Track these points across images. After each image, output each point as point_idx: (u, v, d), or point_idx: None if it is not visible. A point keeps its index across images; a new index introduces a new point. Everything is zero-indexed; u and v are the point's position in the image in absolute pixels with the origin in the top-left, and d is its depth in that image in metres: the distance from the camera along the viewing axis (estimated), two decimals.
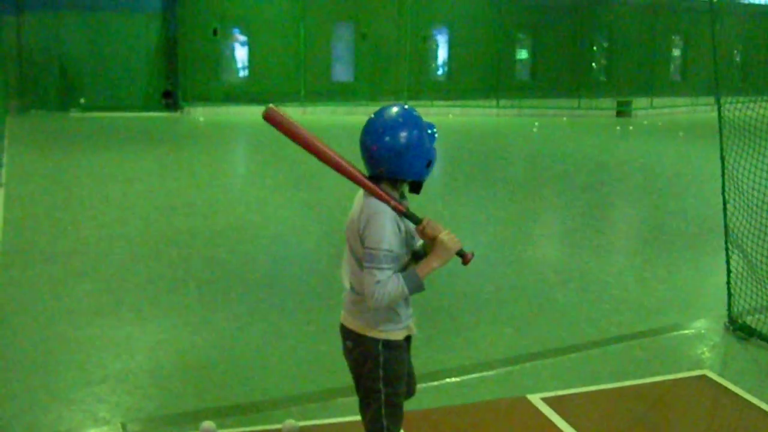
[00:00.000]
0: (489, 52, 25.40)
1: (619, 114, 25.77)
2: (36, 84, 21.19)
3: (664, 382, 5.10)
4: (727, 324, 6.04)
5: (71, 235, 8.59)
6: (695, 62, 28.45)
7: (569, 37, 26.68)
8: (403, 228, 3.02)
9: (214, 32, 22.86)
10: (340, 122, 18.31)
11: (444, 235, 2.98)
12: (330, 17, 24.10)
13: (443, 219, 9.55)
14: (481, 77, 25.41)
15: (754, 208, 6.19)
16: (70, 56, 21.52)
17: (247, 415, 4.52)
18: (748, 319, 5.96)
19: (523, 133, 20.94)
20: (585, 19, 26.80)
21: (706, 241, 8.94)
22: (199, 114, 21.76)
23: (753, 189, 6.25)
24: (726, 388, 4.97)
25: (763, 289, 6.02)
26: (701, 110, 25.76)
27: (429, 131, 3.04)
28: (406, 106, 3.09)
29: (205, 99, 22.22)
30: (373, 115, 3.06)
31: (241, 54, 23.72)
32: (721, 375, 5.18)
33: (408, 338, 3.26)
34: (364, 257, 2.97)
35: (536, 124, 21.21)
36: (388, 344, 3.12)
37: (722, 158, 6.04)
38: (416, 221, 3.01)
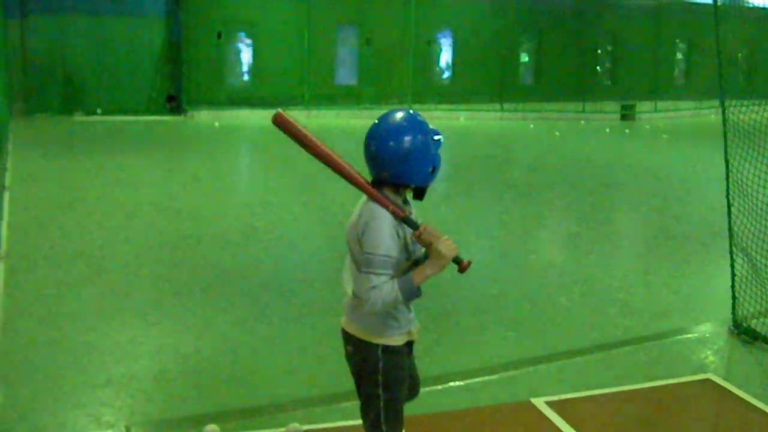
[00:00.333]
0: (493, 56, 25.39)
1: (623, 117, 25.75)
2: (40, 88, 21.21)
3: (668, 386, 5.09)
4: (731, 328, 6.03)
5: (75, 238, 8.60)
6: (699, 66, 28.41)
7: (573, 41, 26.66)
8: (402, 234, 3.02)
9: (218, 36, 22.89)
10: (344, 126, 18.32)
11: (440, 243, 2.95)
12: (334, 21, 24.11)
13: (447, 223, 9.58)
14: (486, 81, 25.40)
15: (759, 211, 6.18)
16: (74, 60, 21.54)
17: (251, 419, 4.52)
18: (753, 323, 5.95)
19: (527, 137, 20.93)
20: (589, 23, 26.78)
21: (710, 245, 8.92)
22: (204, 117, 21.76)
23: (757, 192, 6.24)
24: (730, 392, 4.96)
25: None
26: (705, 113, 25.72)
27: (434, 137, 3.04)
28: (411, 111, 3.09)
29: (210, 103, 22.23)
30: (377, 120, 3.06)
31: (245, 57, 23.75)
32: (725, 379, 5.17)
33: (410, 343, 3.25)
34: (361, 261, 2.98)
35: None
36: (387, 349, 3.12)
37: (726, 162, 6.04)
38: (414, 227, 3.00)
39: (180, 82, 22.42)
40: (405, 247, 3.04)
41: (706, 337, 6.04)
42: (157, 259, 7.88)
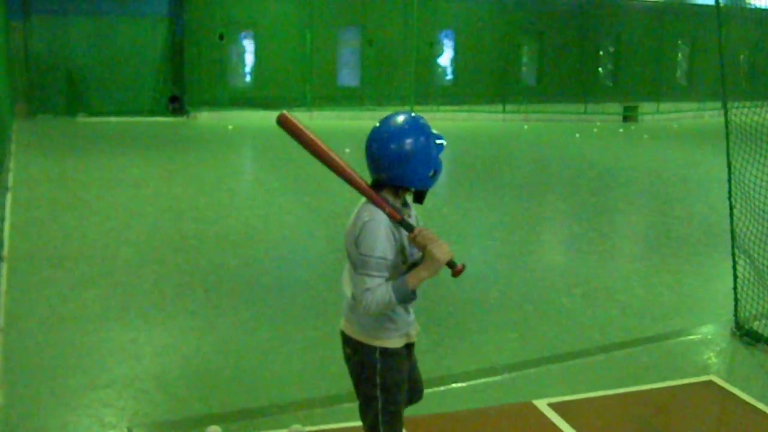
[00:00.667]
0: (495, 57, 25.38)
1: (625, 119, 25.73)
2: (43, 89, 21.24)
3: (670, 387, 5.09)
4: (733, 329, 6.03)
5: (78, 239, 8.61)
6: (702, 67, 28.38)
7: (576, 43, 26.64)
8: (398, 236, 3.02)
9: (221, 37, 22.91)
10: (346, 127, 18.33)
11: (434, 246, 2.94)
12: (336, 22, 24.11)
13: (449, 224, 9.59)
14: (488, 82, 25.39)
15: (761, 213, 6.18)
16: (77, 61, 21.57)
17: (253, 420, 4.52)
18: (755, 325, 5.95)
19: (528, 139, 20.92)
20: (591, 24, 26.75)
21: (712, 247, 8.92)
22: (206, 118, 21.76)
23: (760, 194, 6.23)
24: (732, 393, 4.96)
25: None
26: (708, 115, 25.71)
27: (437, 141, 3.04)
28: (414, 114, 3.09)
29: (212, 104, 22.25)
30: (379, 122, 3.07)
31: (247, 59, 23.76)
32: (727, 380, 5.17)
33: (409, 345, 3.25)
34: (357, 263, 2.98)
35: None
36: (385, 352, 3.12)
37: (729, 163, 6.04)
38: (410, 229, 3.00)
39: (183, 83, 22.44)
40: (401, 250, 3.04)
41: (709, 339, 6.03)
42: (159, 260, 7.88)
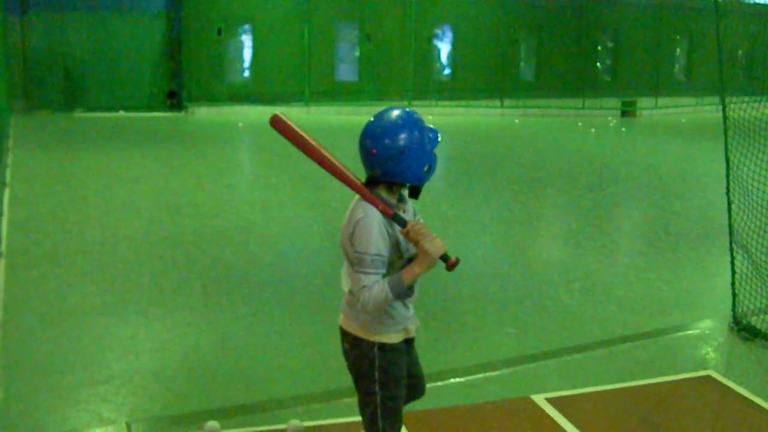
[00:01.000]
0: (493, 52, 25.37)
1: (623, 114, 25.73)
2: (40, 84, 21.21)
3: (668, 382, 5.09)
4: (731, 324, 6.03)
5: (76, 235, 8.60)
6: (700, 62, 28.38)
7: (574, 37, 26.64)
8: (392, 232, 3.02)
9: (219, 32, 22.88)
10: (344, 122, 18.31)
11: (426, 241, 2.93)
12: (334, 17, 24.09)
13: (447, 219, 9.59)
14: (486, 77, 25.38)
15: (759, 208, 6.18)
16: (74, 56, 21.53)
17: (252, 416, 4.52)
18: (753, 320, 5.95)
19: (526, 134, 20.92)
20: (590, 19, 26.75)
21: (710, 242, 8.93)
22: (204, 113, 21.75)
23: (758, 189, 6.24)
24: (730, 388, 4.97)
25: None
26: (706, 110, 25.71)
27: (431, 135, 3.03)
28: (408, 109, 3.08)
29: (210, 99, 22.23)
30: (373, 117, 3.06)
31: (245, 54, 23.73)
32: (725, 375, 5.17)
33: (409, 340, 3.26)
34: (353, 260, 2.98)
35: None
36: (383, 347, 3.13)
37: (727, 158, 6.04)
38: (403, 225, 2.99)
39: (180, 79, 22.42)
40: (397, 246, 3.03)
41: (707, 334, 6.04)
42: (158, 256, 7.88)
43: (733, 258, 6.16)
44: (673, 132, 21.93)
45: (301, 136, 3.06)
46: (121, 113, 20.93)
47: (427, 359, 3.50)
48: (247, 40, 23.59)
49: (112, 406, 4.59)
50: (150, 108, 21.91)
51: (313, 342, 5.65)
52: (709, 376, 5.17)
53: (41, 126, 18.92)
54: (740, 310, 6.05)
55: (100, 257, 7.78)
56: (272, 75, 23.18)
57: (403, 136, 2.96)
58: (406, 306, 3.17)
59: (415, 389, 3.39)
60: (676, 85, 28.83)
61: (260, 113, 20.93)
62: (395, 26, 24.46)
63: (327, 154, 3.07)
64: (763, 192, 6.23)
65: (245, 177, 13.94)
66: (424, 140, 3.00)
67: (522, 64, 27.29)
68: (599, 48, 28.28)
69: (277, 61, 23.24)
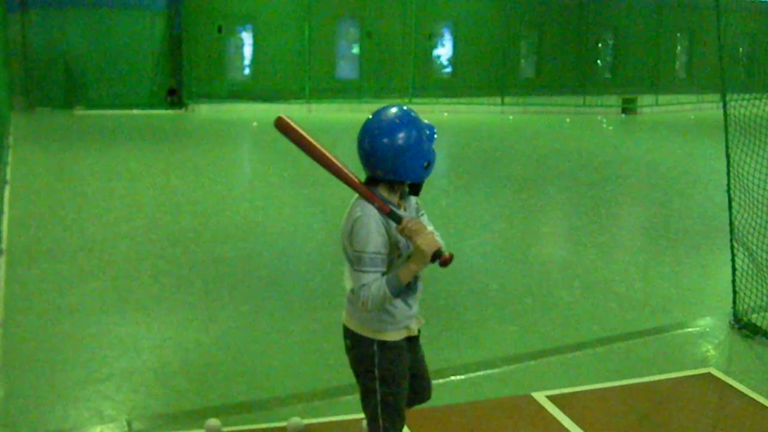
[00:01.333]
0: (494, 49, 25.35)
1: (624, 111, 25.72)
2: (41, 82, 21.19)
3: (668, 380, 5.09)
4: (732, 322, 6.03)
5: (76, 232, 8.60)
6: (701, 59, 28.37)
7: (574, 35, 26.63)
8: (391, 230, 3.02)
9: (219, 30, 22.86)
10: (344, 120, 18.31)
11: (419, 237, 2.92)
12: (335, 15, 24.08)
13: (448, 216, 9.58)
14: (486, 75, 25.37)
15: (760, 206, 6.18)
16: (74, 54, 21.51)
17: (252, 413, 4.53)
18: (753, 317, 5.96)
19: (527, 131, 20.91)
20: (590, 16, 26.71)
21: (711, 239, 8.92)
22: (204, 111, 21.73)
23: (759, 186, 6.23)
24: (731, 386, 4.97)
25: None
26: (707, 107, 25.69)
27: (428, 132, 3.03)
28: (405, 107, 3.08)
29: (210, 97, 22.22)
30: (370, 116, 3.06)
31: (246, 51, 23.72)
32: (726, 373, 5.17)
33: (412, 338, 3.25)
34: (352, 260, 2.99)
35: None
36: (383, 345, 3.13)
37: (728, 156, 6.03)
38: (398, 221, 2.99)
39: (181, 76, 22.40)
40: (396, 244, 3.03)
41: (707, 332, 6.04)
42: (158, 254, 7.88)
43: (733, 255, 6.16)
44: (673, 129, 21.91)
45: (305, 138, 3.07)
46: (121, 111, 20.90)
47: (427, 357, 3.49)
48: (247, 38, 23.57)
49: (113, 404, 4.60)
50: (150, 105, 21.90)
51: (314, 339, 5.65)
52: (709, 374, 5.18)
53: (41, 123, 18.92)
54: (741, 307, 6.05)
55: (101, 255, 7.77)
56: (273, 73, 23.16)
57: (401, 135, 2.96)
58: (408, 304, 3.16)
59: (420, 392, 3.38)
60: (677, 83, 28.82)
61: (261, 111, 20.96)
62: (396, 23, 24.44)
63: (330, 156, 3.08)
64: (764, 189, 6.22)
65: (246, 174, 13.93)
66: (422, 138, 3.00)
67: (523, 61, 27.28)
68: (600, 45, 28.27)
69: (277, 58, 23.22)
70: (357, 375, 3.23)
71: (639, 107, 26.10)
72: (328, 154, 3.07)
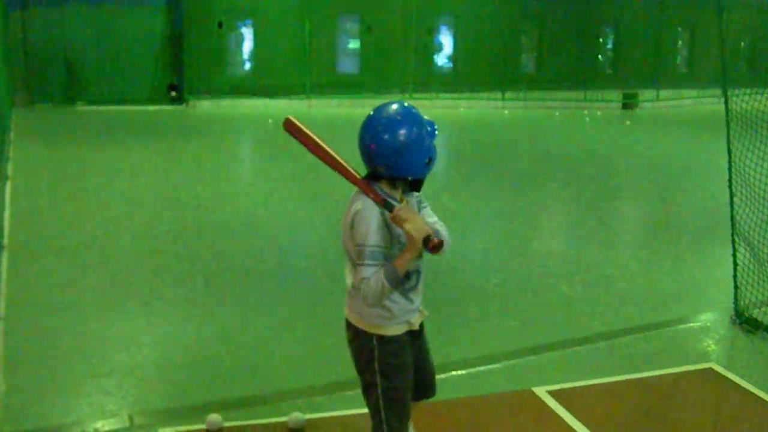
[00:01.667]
0: (495, 44, 25.31)
1: (625, 106, 25.68)
2: (42, 78, 21.20)
3: (669, 375, 5.09)
4: (733, 317, 6.03)
5: (78, 228, 8.61)
6: (702, 54, 28.30)
7: (575, 30, 26.59)
8: (391, 223, 3.02)
9: (220, 25, 22.84)
10: (345, 115, 18.30)
11: (408, 224, 2.92)
12: (335, 10, 24.05)
13: (449, 211, 9.57)
14: (487, 70, 25.33)
15: (761, 200, 6.17)
16: (75, 50, 21.52)
17: (254, 408, 4.53)
18: (755, 312, 5.95)
19: (528, 126, 20.90)
20: (591, 11, 26.68)
21: (712, 234, 8.92)
22: (205, 106, 21.73)
23: (760, 181, 6.23)
24: (732, 381, 4.97)
25: None
26: (708, 102, 25.65)
27: (429, 128, 3.03)
28: (406, 103, 3.08)
29: (211, 92, 22.21)
30: (372, 112, 3.06)
31: (246, 47, 23.70)
32: (727, 368, 5.17)
33: (414, 332, 3.24)
34: (354, 254, 3.00)
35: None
36: (382, 339, 3.13)
37: (729, 150, 6.02)
38: (390, 210, 2.98)
39: (181, 72, 22.39)
40: (399, 237, 3.03)
41: (708, 327, 6.04)
42: (159, 249, 7.88)
43: (735, 250, 6.16)
44: (674, 124, 21.89)
45: (312, 138, 3.10)
46: (122, 106, 20.89)
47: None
48: (248, 33, 23.56)
49: (115, 399, 4.60)
50: (151, 101, 21.90)
51: (315, 334, 5.65)
52: (710, 369, 5.17)
53: (43, 119, 18.93)
54: (742, 302, 6.04)
55: (102, 250, 7.78)
56: (273, 68, 23.15)
57: (402, 131, 2.97)
58: (409, 299, 3.16)
59: (423, 388, 3.38)
60: (678, 78, 28.76)
61: (261, 106, 20.95)
62: (396, 18, 24.41)
63: (334, 154, 3.09)
64: (766, 184, 6.21)
65: (246, 169, 13.93)
66: (423, 134, 3.00)
67: (523, 56, 27.24)
68: (601, 40, 28.22)
69: (278, 53, 23.21)
70: (358, 368, 3.24)
71: (640, 102, 26.06)
72: (332, 153, 3.09)
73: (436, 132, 3.05)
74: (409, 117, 3.01)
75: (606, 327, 5.97)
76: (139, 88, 22.12)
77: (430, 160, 3.05)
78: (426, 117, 3.06)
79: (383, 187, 3.04)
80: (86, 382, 4.83)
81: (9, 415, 4.35)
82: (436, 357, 3.45)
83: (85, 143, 15.10)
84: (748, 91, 6.36)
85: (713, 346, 5.67)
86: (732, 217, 6.16)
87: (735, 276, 6.11)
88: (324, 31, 23.69)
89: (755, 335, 5.77)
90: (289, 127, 3.14)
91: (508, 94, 24.81)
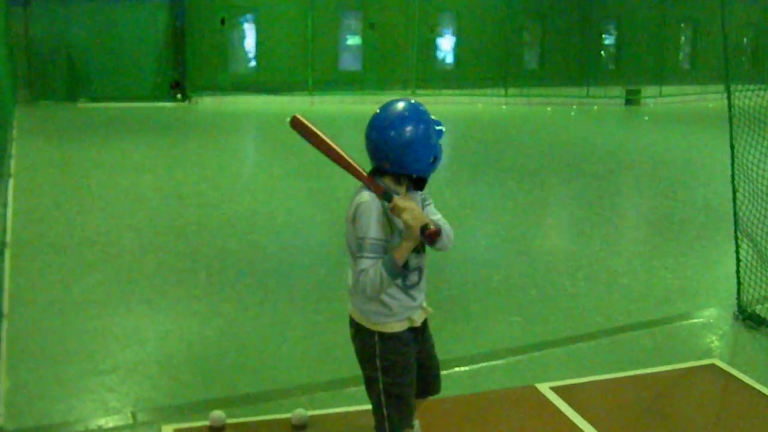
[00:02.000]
0: (497, 40, 25.29)
1: (628, 102, 25.64)
2: (44, 74, 21.18)
3: (672, 371, 5.09)
4: (736, 313, 6.03)
5: (80, 225, 8.61)
6: (705, 50, 28.24)
7: (578, 26, 26.55)
8: (392, 217, 3.02)
9: (222, 22, 22.83)
10: (348, 111, 18.28)
11: (405, 213, 2.93)
12: (338, 6, 24.04)
13: (451, 208, 9.57)
14: (490, 66, 25.30)
15: (764, 196, 6.17)
16: (77, 46, 21.50)
17: (257, 405, 4.54)
18: (758, 308, 5.95)
19: (531, 122, 20.88)
20: (594, 7, 26.64)
21: (715, 230, 8.91)
22: (208, 103, 21.72)
23: (763, 177, 6.22)
24: (735, 377, 4.97)
25: None
26: (711, 98, 25.62)
27: (436, 127, 3.04)
28: (413, 101, 3.09)
29: (214, 89, 22.20)
30: (378, 110, 3.08)
31: (249, 43, 23.68)
32: (730, 364, 5.17)
33: (417, 329, 3.24)
34: (355, 247, 3.01)
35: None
36: (383, 336, 3.14)
37: (732, 147, 6.02)
38: (389, 200, 3.00)
39: (184, 68, 22.37)
40: (399, 233, 3.03)
41: (711, 323, 6.04)
42: (162, 246, 7.89)
43: (737, 246, 6.15)
44: (677, 120, 21.86)
45: (319, 136, 3.12)
46: (125, 103, 20.89)
47: None
48: (250, 30, 23.53)
49: (118, 396, 4.61)
50: (153, 98, 21.87)
51: (318, 331, 5.66)
52: (713, 365, 5.17)
53: (45, 116, 18.92)
54: (745, 298, 6.04)
55: (105, 247, 7.78)
56: (276, 64, 23.13)
57: (409, 128, 2.98)
58: (410, 296, 3.16)
59: (427, 384, 3.38)
60: (681, 74, 28.71)
61: (264, 103, 20.95)
62: (399, 15, 24.38)
63: (340, 151, 3.10)
64: None
65: (249, 166, 13.94)
66: (430, 132, 3.01)
67: (526, 52, 27.20)
68: (603, 36, 28.17)
69: (280, 50, 23.19)
70: (361, 364, 3.25)
71: (643, 98, 26.02)
72: (338, 149, 3.10)
73: (443, 132, 3.06)
74: (417, 114, 3.02)
75: (609, 323, 5.97)
76: (142, 84, 22.10)
77: (435, 159, 3.06)
78: (433, 116, 3.07)
79: (388, 183, 3.05)
80: (89, 379, 4.83)
81: (12, 412, 4.36)
82: (439, 353, 3.45)
83: (87, 140, 15.10)
84: (751, 87, 6.34)
85: (716, 342, 5.67)
86: (735, 213, 6.16)
87: (738, 272, 6.11)
88: (326, 27, 23.67)
89: (758, 331, 5.77)
90: (296, 125, 3.16)
91: (510, 91, 24.78)
